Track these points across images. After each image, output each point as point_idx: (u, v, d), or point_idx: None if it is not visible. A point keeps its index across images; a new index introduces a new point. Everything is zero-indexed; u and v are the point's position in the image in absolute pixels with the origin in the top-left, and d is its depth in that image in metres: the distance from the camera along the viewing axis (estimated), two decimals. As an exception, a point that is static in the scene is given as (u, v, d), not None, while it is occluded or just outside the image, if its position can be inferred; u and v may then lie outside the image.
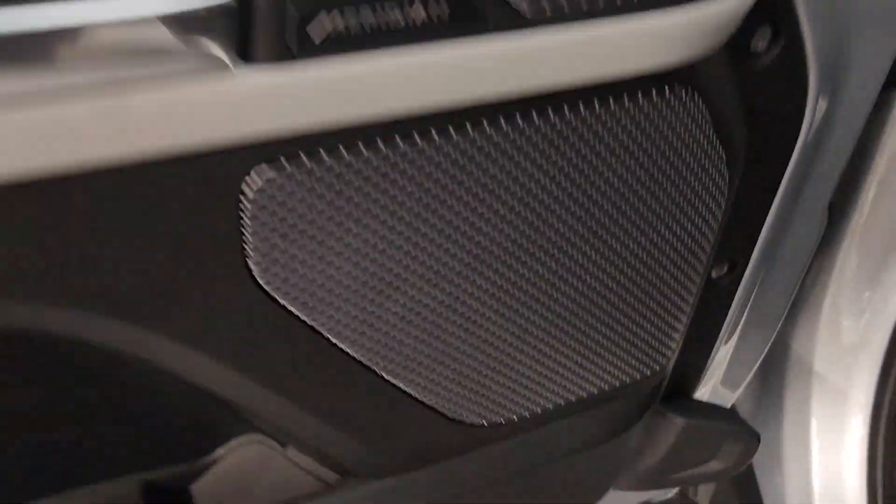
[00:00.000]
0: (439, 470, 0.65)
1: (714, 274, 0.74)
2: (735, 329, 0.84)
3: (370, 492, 0.63)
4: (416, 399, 0.59)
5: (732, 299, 0.77)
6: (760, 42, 0.59)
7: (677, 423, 0.82)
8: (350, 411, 0.58)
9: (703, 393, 0.91)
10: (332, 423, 0.58)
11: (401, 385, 0.58)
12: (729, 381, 0.91)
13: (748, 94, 0.60)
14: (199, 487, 0.76)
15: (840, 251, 1.01)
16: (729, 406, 0.98)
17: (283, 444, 0.75)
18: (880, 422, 1.01)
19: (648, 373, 0.70)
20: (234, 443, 0.75)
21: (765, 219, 0.71)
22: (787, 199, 0.72)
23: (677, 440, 0.83)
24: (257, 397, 0.55)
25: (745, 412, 1.21)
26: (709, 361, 0.83)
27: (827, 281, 1.03)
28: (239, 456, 0.76)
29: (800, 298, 1.07)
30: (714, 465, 0.86)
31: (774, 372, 1.14)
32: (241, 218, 0.45)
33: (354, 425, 0.59)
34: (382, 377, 0.56)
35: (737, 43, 0.56)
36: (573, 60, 0.46)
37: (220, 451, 0.76)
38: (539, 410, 0.66)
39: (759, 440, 0.84)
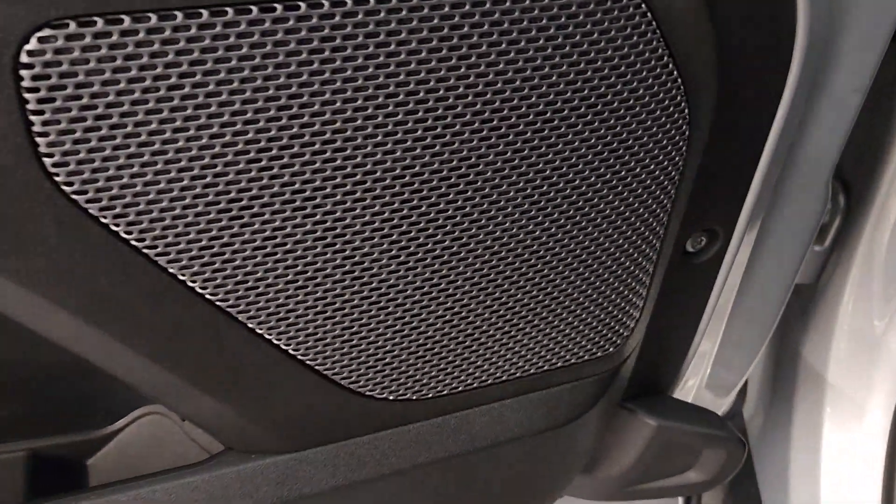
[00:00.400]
0: (335, 450, 0.55)
1: (690, 246, 0.63)
2: (722, 319, 0.73)
3: (250, 470, 0.54)
4: (297, 360, 0.50)
5: (714, 279, 0.66)
6: None
7: (649, 424, 0.71)
8: (214, 371, 0.48)
9: (683, 396, 0.80)
10: (195, 384, 0.49)
11: (275, 339, 0.48)
12: (716, 384, 0.80)
13: (718, 18, 0.49)
14: (95, 462, 0.68)
15: (860, 243, 0.89)
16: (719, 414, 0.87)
17: (183, 418, 0.67)
18: (899, 442, 0.88)
19: (599, 353, 0.59)
20: (133, 415, 0.67)
21: (749, 183, 0.60)
22: (779, 163, 0.61)
23: (649, 444, 0.72)
24: (100, 347, 0.46)
25: (753, 426, 1.10)
26: (688, 354, 0.72)
27: (844, 280, 0.91)
28: (137, 429, 0.68)
29: (813, 301, 0.96)
30: (693, 476, 0.75)
31: (784, 382, 1.02)
32: (26, 101, 0.36)
33: (222, 389, 0.49)
34: (248, 327, 0.47)
35: None
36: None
37: (118, 424, 0.68)
38: (458, 387, 0.56)
39: (745, 449, 0.73)
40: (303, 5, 0.38)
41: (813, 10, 0.52)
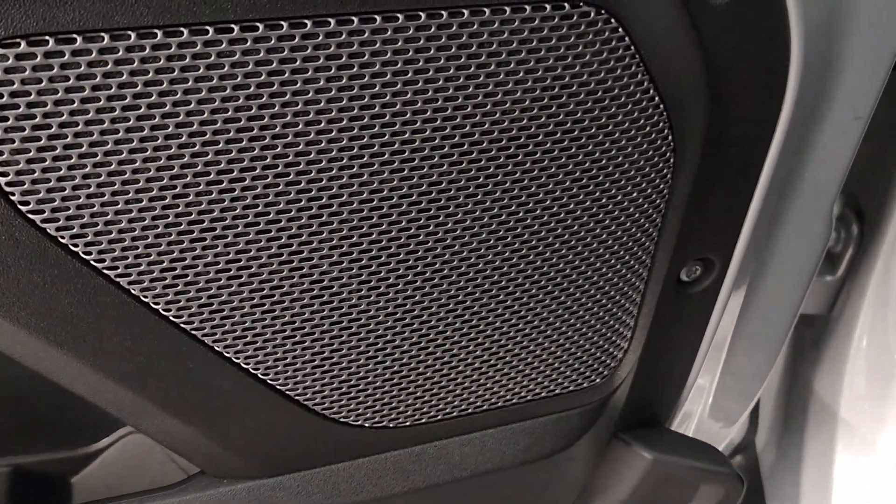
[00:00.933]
0: (310, 477, 0.54)
1: (685, 276, 0.61)
2: (721, 349, 0.71)
3: (221, 495, 0.53)
4: (266, 384, 0.49)
5: (710, 309, 0.64)
6: None
7: (644, 457, 0.69)
8: (180, 393, 0.48)
9: (685, 426, 0.78)
10: (162, 406, 0.48)
11: (242, 363, 0.47)
12: (719, 414, 0.78)
13: (705, 41, 0.48)
14: (79, 479, 0.68)
15: (874, 273, 0.86)
16: (723, 444, 0.84)
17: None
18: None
19: (585, 384, 0.58)
20: (118, 433, 0.67)
21: (745, 212, 0.58)
22: (777, 191, 0.59)
23: (645, 478, 0.70)
24: (64, 368, 0.45)
25: (765, 458, 1.07)
26: (686, 385, 0.70)
27: (857, 311, 0.89)
28: (122, 448, 0.67)
29: (825, 332, 0.93)
30: (690, 512, 0.73)
31: (796, 413, 0.99)
32: None
33: (190, 412, 0.49)
34: (214, 350, 0.46)
35: None
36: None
37: (103, 442, 0.67)
38: (437, 416, 0.54)
39: (743, 485, 0.70)
40: (261, 27, 0.37)
41: (808, 35, 0.51)
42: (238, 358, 0.47)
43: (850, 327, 0.90)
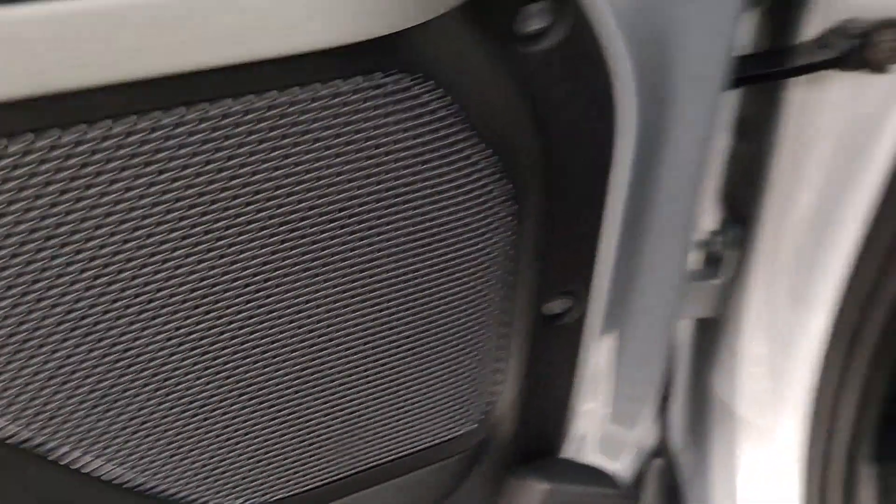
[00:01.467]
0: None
1: (551, 310, 0.61)
2: (608, 368, 0.72)
3: None
4: (112, 484, 0.48)
5: (581, 338, 0.65)
6: (530, 22, 0.47)
7: (540, 488, 0.70)
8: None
9: (583, 448, 0.79)
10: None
11: (94, 471, 0.46)
12: (621, 417, 0.79)
13: (527, 88, 0.48)
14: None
15: (759, 273, 0.88)
16: (635, 448, 0.86)
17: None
18: (812, 467, 0.87)
19: (461, 431, 0.58)
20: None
21: (596, 244, 0.59)
22: (631, 218, 0.60)
23: (542, 508, 0.70)
24: None
25: (682, 461, 1.10)
26: (568, 413, 0.70)
27: (744, 311, 0.91)
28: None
29: (717, 334, 0.95)
30: (590, 535, 0.73)
31: (703, 415, 1.01)
32: None
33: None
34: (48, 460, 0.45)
35: (492, 19, 0.45)
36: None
37: None
38: (310, 484, 0.54)
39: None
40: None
41: (635, 70, 0.52)
42: (76, 464, 0.46)
43: (740, 327, 0.92)
